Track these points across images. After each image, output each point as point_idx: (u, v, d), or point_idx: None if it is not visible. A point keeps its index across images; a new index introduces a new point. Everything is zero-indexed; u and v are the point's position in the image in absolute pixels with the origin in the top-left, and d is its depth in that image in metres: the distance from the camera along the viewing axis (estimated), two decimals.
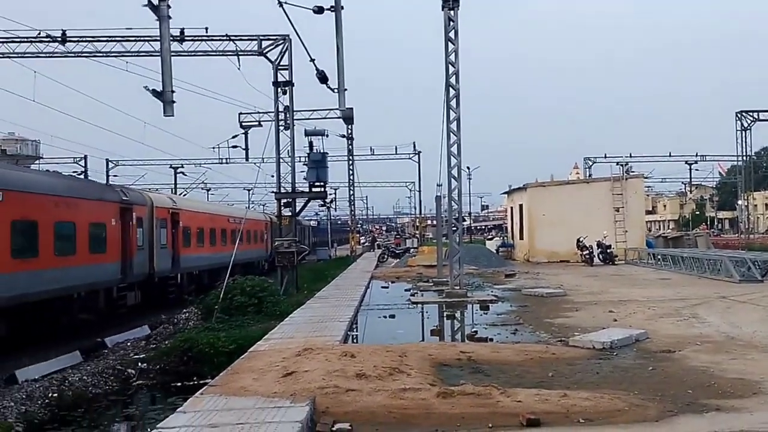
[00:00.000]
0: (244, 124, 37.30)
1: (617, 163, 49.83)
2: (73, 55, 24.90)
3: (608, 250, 34.76)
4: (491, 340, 12.87)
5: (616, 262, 34.42)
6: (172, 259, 27.28)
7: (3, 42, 24.50)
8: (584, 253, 34.79)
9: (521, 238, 42.24)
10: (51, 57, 25.09)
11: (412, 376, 8.90)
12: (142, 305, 24.46)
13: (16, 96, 29.30)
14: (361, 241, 75.92)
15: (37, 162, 55.04)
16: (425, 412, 7.48)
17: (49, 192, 18.80)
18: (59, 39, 24.36)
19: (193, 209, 31.78)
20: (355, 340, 13.86)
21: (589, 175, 58.73)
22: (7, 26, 24.69)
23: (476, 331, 13.99)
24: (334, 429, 6.96)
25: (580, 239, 34.73)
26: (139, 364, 15.69)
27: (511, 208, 47.03)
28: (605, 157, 60.95)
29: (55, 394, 12.96)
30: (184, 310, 22.85)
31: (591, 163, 63.26)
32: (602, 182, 40.71)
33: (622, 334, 12.14)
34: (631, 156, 58.10)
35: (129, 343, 18.79)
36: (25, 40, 24.52)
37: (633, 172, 46.69)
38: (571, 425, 7.14)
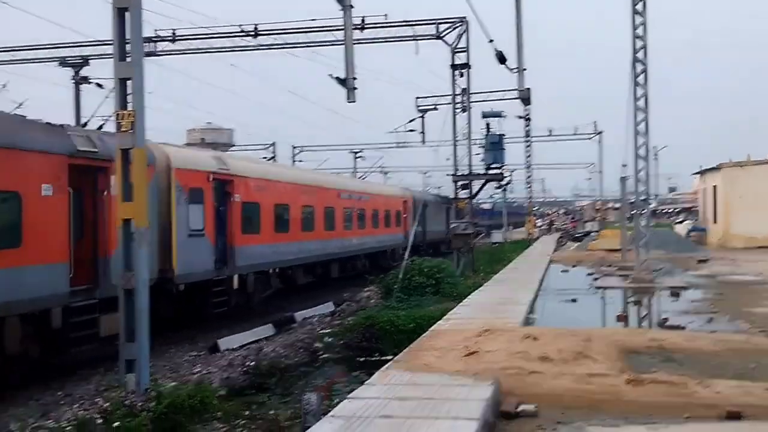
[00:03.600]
0: (420, 107, 37.79)
1: None
2: (264, 47, 26.56)
3: None
4: (684, 328, 12.15)
5: None
6: (219, 252, 18.06)
7: (204, 38, 26.63)
8: None
9: (714, 221, 39.37)
10: (245, 50, 26.96)
11: (599, 362, 8.63)
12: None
13: (214, 88, 31.76)
14: (538, 225, 74.42)
15: (230, 149, 59.13)
16: (614, 398, 7.23)
17: None
18: (252, 33, 26.04)
19: (266, 177, 21.39)
20: (533, 323, 13.64)
21: None
22: (208, 23, 26.71)
23: (666, 319, 13.27)
24: (518, 410, 6.92)
25: None
26: (326, 338, 16.48)
27: (703, 189, 43.90)
28: None
29: (252, 363, 13.91)
30: (365, 289, 23.64)
31: None
32: None
33: None
34: None
35: (315, 319, 19.79)
36: (223, 35, 26.49)
37: None
38: None
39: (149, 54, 26.22)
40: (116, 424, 8.40)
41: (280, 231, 21.70)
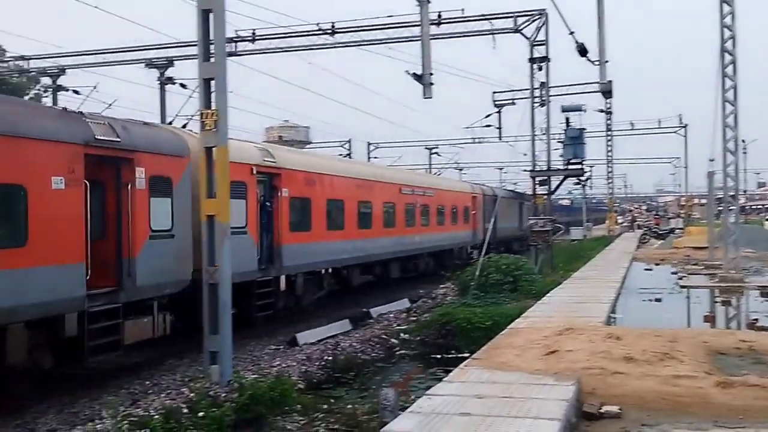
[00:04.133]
0: (497, 102, 37.32)
1: None
2: (341, 45, 26.76)
3: None
4: None
5: None
6: (265, 251, 16.59)
7: (283, 37, 27.08)
8: None
9: None
10: (322, 48, 27.24)
11: (685, 363, 8.35)
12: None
13: (292, 86, 32.23)
14: (619, 221, 72.59)
15: (306, 146, 60.05)
16: (702, 401, 6.99)
17: None
18: (330, 31, 26.32)
19: (318, 170, 19.62)
20: (613, 322, 13.31)
21: None
22: (287, 22, 27.13)
23: (757, 320, 12.76)
24: (601, 411, 6.78)
25: None
26: (401, 334, 16.54)
27: None
28: None
29: (330, 358, 14.10)
30: (442, 286, 23.59)
31: None
32: None
33: None
34: None
35: (392, 315, 19.92)
36: (302, 34, 26.88)
37: None
38: None
39: (230, 54, 26.80)
40: (201, 413, 8.65)
41: (334, 228, 20.07)
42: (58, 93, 30.42)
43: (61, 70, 30.61)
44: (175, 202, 13.17)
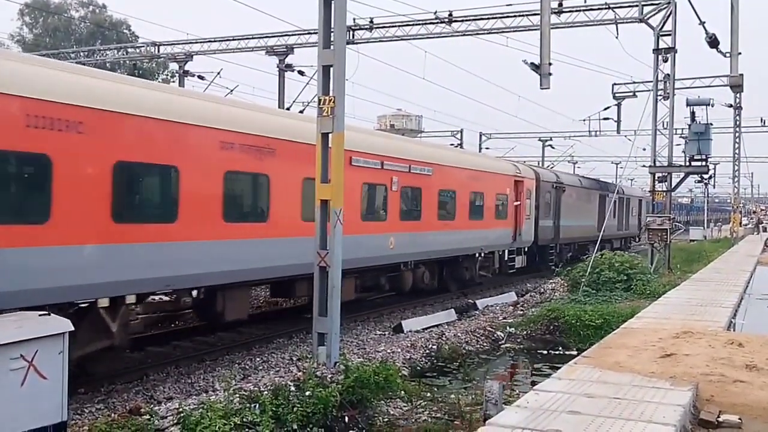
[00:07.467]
0: (617, 95, 35.99)
1: None
2: (458, 34, 26.51)
3: None
4: None
5: None
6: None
7: (400, 26, 27.17)
8: None
9: None
10: (439, 37, 27.08)
11: None
12: None
13: (406, 74, 32.39)
14: (743, 223, 68.65)
15: (418, 135, 60.17)
16: None
17: None
18: (446, 20, 26.18)
19: (99, 104, 9.35)
20: (734, 329, 12.59)
21: None
22: (405, 10, 27.22)
23: None
24: (720, 419, 6.44)
25: None
26: (507, 328, 16.36)
27: None
28: None
29: (434, 346, 14.13)
30: (551, 281, 23.15)
31: None
32: None
33: None
34: None
35: (498, 307, 19.75)
36: (419, 22, 26.86)
37: None
38: None
39: (348, 42, 27.15)
40: (308, 392, 8.87)
41: (153, 220, 10.52)
42: (185, 78, 31.89)
43: (189, 56, 32.05)
44: None
